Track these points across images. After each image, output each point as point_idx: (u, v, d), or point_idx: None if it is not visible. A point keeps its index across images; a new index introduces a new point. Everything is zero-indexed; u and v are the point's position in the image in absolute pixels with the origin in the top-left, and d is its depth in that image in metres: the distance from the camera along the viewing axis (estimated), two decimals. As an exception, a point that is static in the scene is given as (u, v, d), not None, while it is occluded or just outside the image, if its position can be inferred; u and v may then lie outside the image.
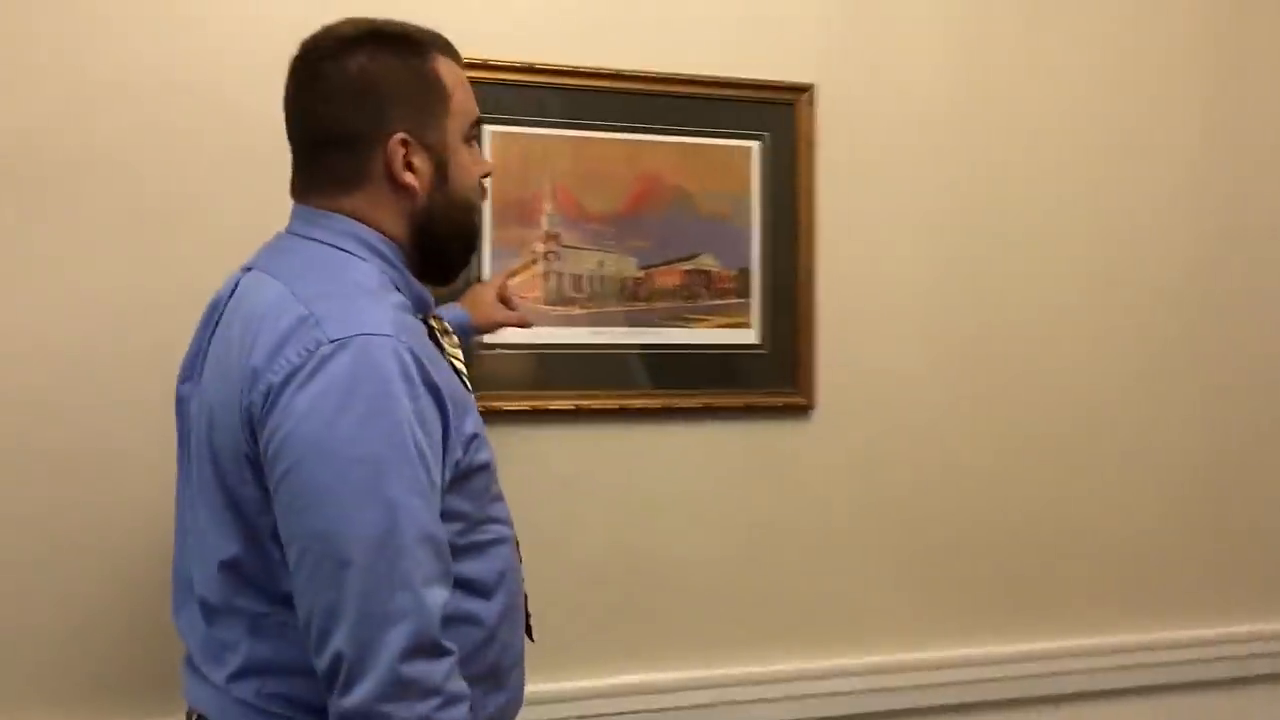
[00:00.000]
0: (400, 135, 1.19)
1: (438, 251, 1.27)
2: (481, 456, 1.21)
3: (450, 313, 1.72)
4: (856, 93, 2.10)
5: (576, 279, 1.95)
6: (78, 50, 1.69)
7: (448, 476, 1.14)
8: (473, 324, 1.75)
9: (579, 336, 1.94)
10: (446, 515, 1.13)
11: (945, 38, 2.15)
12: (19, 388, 1.67)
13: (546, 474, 1.94)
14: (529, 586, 1.37)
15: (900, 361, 2.14)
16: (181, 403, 1.28)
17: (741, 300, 2.03)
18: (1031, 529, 2.22)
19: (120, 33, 1.71)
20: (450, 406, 1.14)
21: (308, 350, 1.08)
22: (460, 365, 1.34)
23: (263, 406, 1.08)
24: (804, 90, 2.05)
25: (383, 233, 1.21)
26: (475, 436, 1.20)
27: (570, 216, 1.94)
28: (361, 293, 1.15)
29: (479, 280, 1.87)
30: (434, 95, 1.23)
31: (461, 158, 1.26)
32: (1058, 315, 2.23)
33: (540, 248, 1.92)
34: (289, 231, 1.25)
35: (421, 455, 1.08)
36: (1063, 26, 2.22)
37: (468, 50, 1.84)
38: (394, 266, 1.22)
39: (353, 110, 1.19)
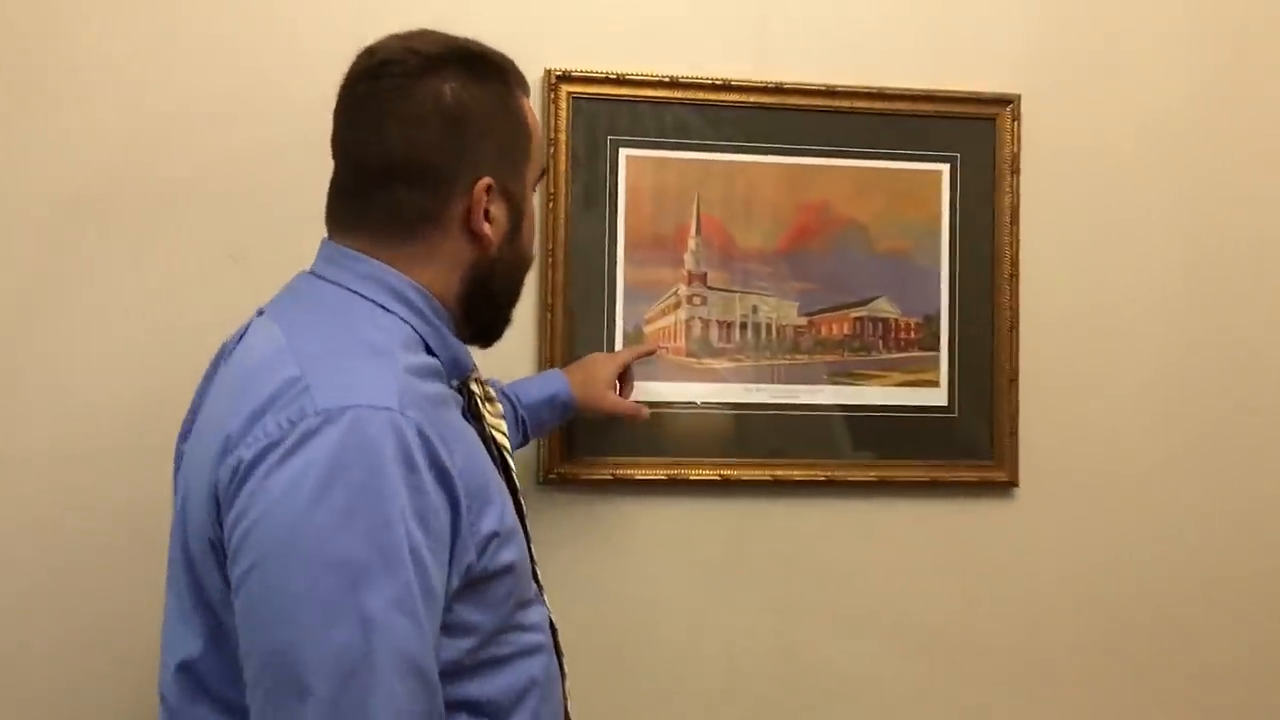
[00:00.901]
0: (488, 180, 1.01)
1: (491, 311, 1.09)
2: (504, 559, 0.97)
3: (548, 382, 1.51)
4: (1068, 105, 1.74)
5: (726, 326, 1.66)
6: (167, 81, 1.54)
7: (455, 584, 0.91)
8: (577, 400, 1.52)
9: (728, 395, 1.65)
10: (453, 629, 0.92)
11: (1174, 39, 1.77)
12: (111, 428, 1.51)
13: (683, 557, 1.65)
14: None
15: (1124, 429, 1.75)
16: (178, 464, 1.08)
17: (927, 353, 1.69)
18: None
19: (218, 62, 1.55)
20: (465, 498, 0.92)
21: (289, 421, 0.87)
22: (502, 439, 1.12)
23: (230, 485, 0.88)
24: (1006, 103, 1.71)
25: (422, 283, 1.02)
26: (494, 536, 0.95)
27: (719, 253, 1.66)
28: (369, 353, 0.95)
29: (606, 347, 1.63)
30: (520, 136, 1.06)
31: (531, 209, 1.10)
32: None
33: (683, 290, 1.65)
34: (310, 271, 1.05)
35: (418, 561, 0.86)
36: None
37: (597, 61, 1.64)
38: (428, 322, 1.02)
39: (442, 141, 1.00)
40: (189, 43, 1.54)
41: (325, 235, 1.05)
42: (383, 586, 0.83)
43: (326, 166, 1.05)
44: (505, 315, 1.12)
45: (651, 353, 1.62)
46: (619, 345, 1.62)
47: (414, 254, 1.01)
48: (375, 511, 0.84)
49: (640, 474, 1.62)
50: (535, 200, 1.12)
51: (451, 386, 1.03)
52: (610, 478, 1.61)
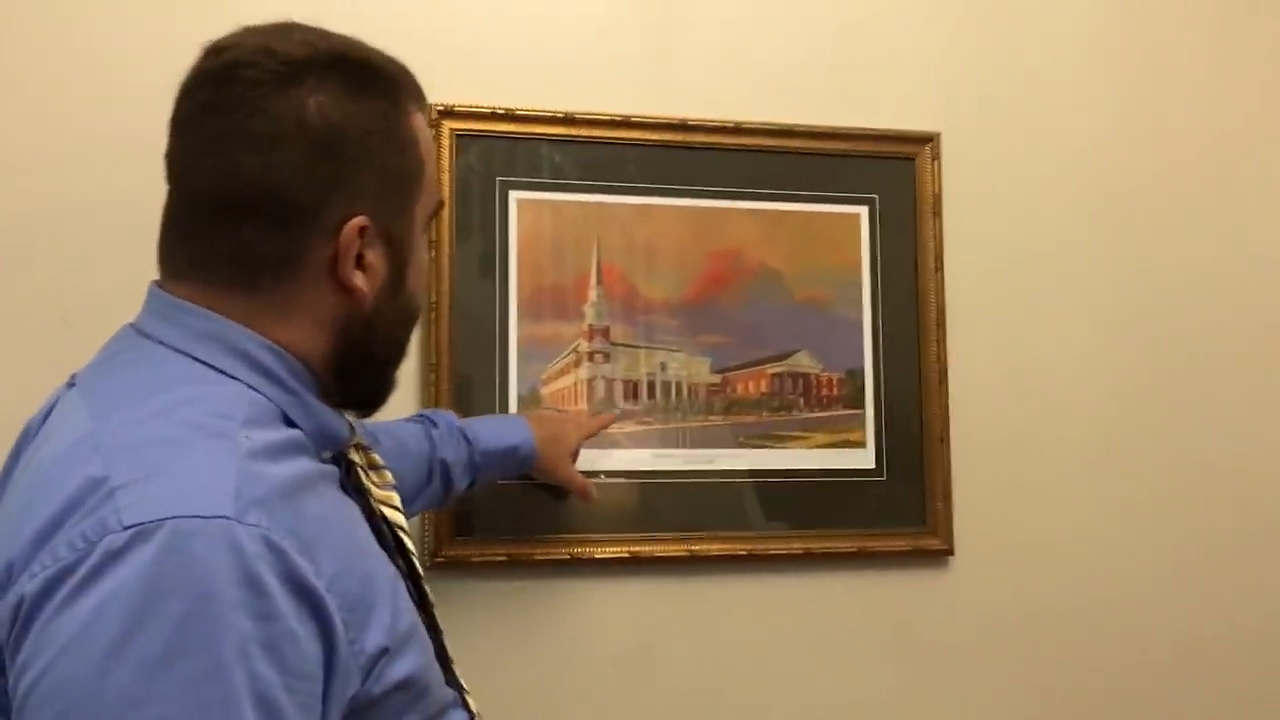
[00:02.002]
0: (362, 220, 0.82)
1: (370, 375, 0.90)
2: (399, 673, 0.77)
3: (510, 430, 1.34)
4: (989, 142, 1.64)
5: (631, 386, 1.50)
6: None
7: (337, 719, 0.72)
8: (538, 460, 1.36)
9: (635, 462, 1.48)
10: None
11: (1095, 70, 1.68)
12: None
13: (590, 645, 1.46)
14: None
15: (1064, 488, 1.62)
16: None
17: (852, 412, 1.55)
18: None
19: (46, 107, 1.35)
20: (340, 615, 0.72)
21: (86, 540, 0.66)
22: (395, 515, 0.93)
23: (11, 627, 0.67)
24: (926, 140, 1.59)
25: (280, 342, 0.82)
26: (383, 652, 0.75)
27: (623, 305, 1.50)
28: (200, 436, 0.73)
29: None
30: (409, 166, 0.87)
31: (421, 256, 0.91)
32: (1271, 419, 1.69)
33: (584, 346, 1.48)
34: (133, 325, 0.84)
35: (269, 710, 0.66)
36: (1245, 46, 1.73)
37: (484, 95, 1.47)
38: (286, 388, 0.82)
39: (304, 170, 0.80)
40: (13, 84, 1.35)
41: (154, 281, 0.84)
42: None
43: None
44: (388, 378, 0.92)
45: (612, 422, 1.47)
46: (513, 408, 1.44)
47: (268, 307, 0.81)
48: (202, 656, 0.64)
49: (540, 554, 1.44)
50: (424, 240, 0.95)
51: (323, 459, 0.84)
52: (506, 559, 1.42)
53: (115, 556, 0.65)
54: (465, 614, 1.42)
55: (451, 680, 0.91)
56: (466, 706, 0.90)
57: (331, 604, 0.71)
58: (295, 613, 0.68)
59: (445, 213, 1.42)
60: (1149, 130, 1.69)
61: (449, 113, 1.44)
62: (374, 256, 0.84)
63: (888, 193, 1.58)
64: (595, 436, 1.44)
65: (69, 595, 0.65)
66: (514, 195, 1.47)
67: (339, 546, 0.75)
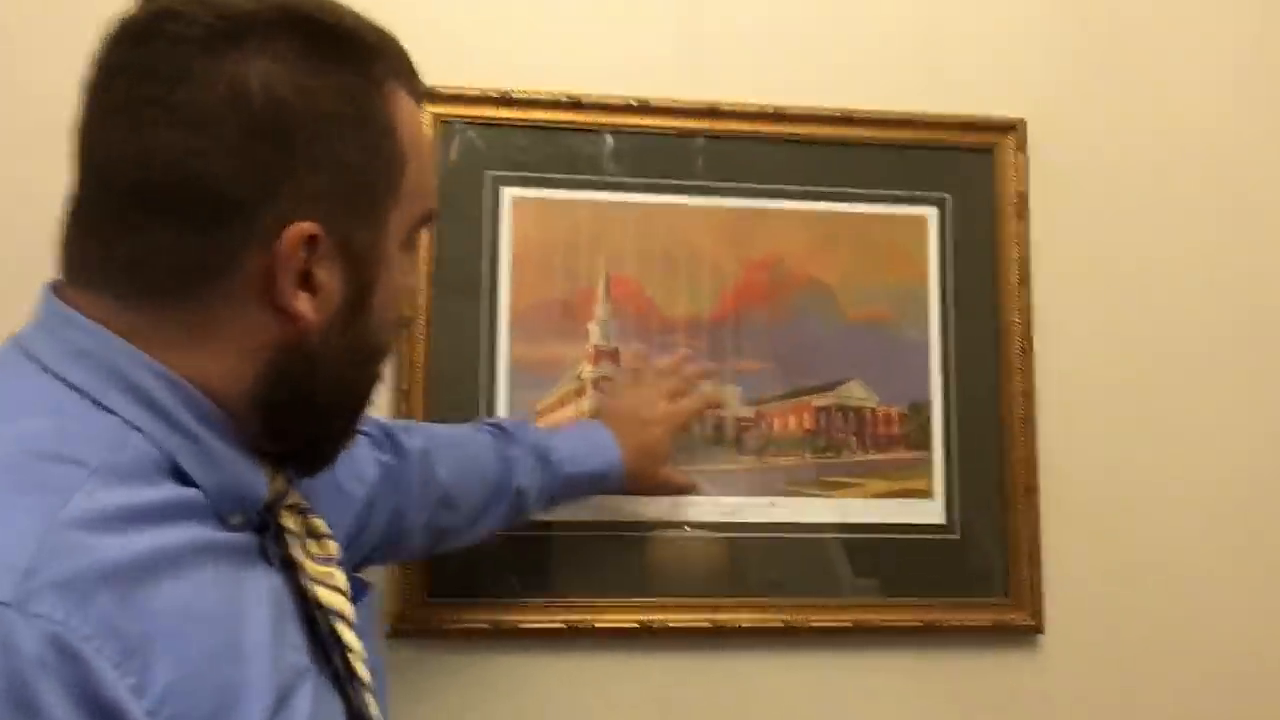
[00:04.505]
0: (308, 226, 0.65)
1: (307, 425, 0.71)
2: None
3: (596, 450, 1.14)
4: (1084, 129, 1.36)
5: (645, 420, 1.25)
6: None
7: None
8: (628, 471, 1.15)
9: (646, 512, 1.23)
10: None
11: (1223, 36, 1.40)
12: None
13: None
14: None
15: (1182, 552, 1.32)
16: None
17: (915, 454, 1.28)
18: None
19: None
20: None
21: None
22: (331, 598, 0.71)
23: None
24: (1008, 128, 1.33)
25: (185, 372, 0.65)
26: None
27: (636, 324, 1.26)
28: (14, 488, 0.57)
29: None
30: (383, 160, 0.69)
31: (395, 274, 0.72)
32: None
33: (588, 371, 1.25)
34: (16, 336, 0.68)
35: None
36: None
37: (475, 75, 1.24)
38: (182, 430, 0.64)
39: (236, 158, 0.63)
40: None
41: (51, 282, 0.67)
42: None
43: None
44: (335, 430, 0.74)
45: (690, 415, 1.24)
46: (500, 446, 1.21)
47: (177, 327, 0.64)
48: None
49: (531, 621, 1.19)
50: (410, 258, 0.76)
51: (232, 524, 0.66)
52: (488, 627, 1.18)
53: None
54: (437, 694, 1.18)
55: None
56: None
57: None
58: None
59: (425, 212, 1.21)
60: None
61: (432, 96, 1.21)
62: (326, 275, 0.66)
63: (961, 191, 1.32)
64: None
65: None
66: (508, 193, 1.24)
67: (195, 649, 0.58)
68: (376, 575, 1.17)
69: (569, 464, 1.11)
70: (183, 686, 0.56)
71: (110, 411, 0.62)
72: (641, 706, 1.22)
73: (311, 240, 0.64)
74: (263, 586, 0.65)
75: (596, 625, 1.20)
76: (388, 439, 1.01)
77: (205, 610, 0.60)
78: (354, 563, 0.95)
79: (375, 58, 0.68)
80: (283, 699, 0.61)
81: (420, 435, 1.04)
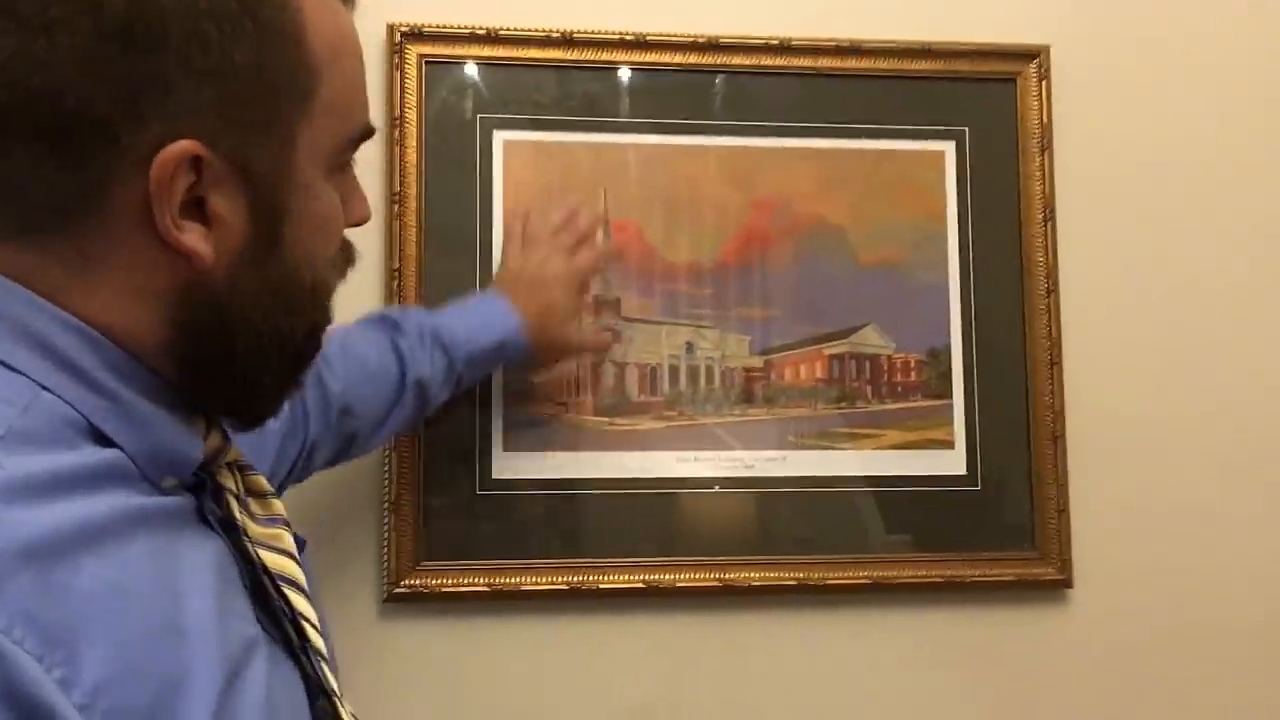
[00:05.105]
0: (187, 145, 0.55)
1: (230, 378, 0.63)
2: None
3: (491, 320, 1.08)
4: (1114, 55, 1.28)
5: (648, 372, 1.20)
6: None
7: None
8: (531, 348, 1.10)
9: (654, 467, 1.18)
10: None
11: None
12: None
13: (596, 699, 1.17)
14: None
15: (1215, 502, 1.25)
16: None
17: (934, 402, 1.22)
18: None
19: None
20: None
21: None
22: (279, 563, 0.64)
23: None
24: (1030, 56, 1.25)
25: (90, 319, 0.57)
26: None
27: (638, 271, 1.20)
28: None
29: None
30: (284, 69, 0.59)
31: (317, 202, 0.63)
32: None
33: (588, 322, 1.19)
34: None
35: None
36: None
37: (460, 13, 1.16)
38: (97, 389, 0.57)
39: (92, 67, 0.54)
40: None
41: None
42: None
43: None
44: (266, 382, 0.64)
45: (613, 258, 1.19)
46: (495, 401, 1.16)
47: (60, 266, 0.56)
48: None
49: (531, 583, 1.15)
50: (340, 185, 0.66)
51: (164, 488, 0.59)
52: (487, 589, 1.14)
53: None
54: (432, 662, 1.14)
55: None
56: None
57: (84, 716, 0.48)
58: None
59: (412, 158, 1.15)
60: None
61: (416, 34, 1.16)
62: (224, 204, 0.58)
63: (981, 124, 1.25)
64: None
65: None
66: (500, 136, 1.18)
67: (129, 631, 0.51)
68: (366, 541, 1.13)
69: (465, 343, 1.05)
70: (118, 675, 0.50)
71: (17, 371, 0.55)
72: (647, 671, 1.17)
73: (196, 162, 0.56)
74: (203, 553, 0.59)
75: (602, 586, 1.15)
76: None
77: (137, 587, 0.53)
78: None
79: None
80: (234, 676, 0.55)
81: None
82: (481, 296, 1.13)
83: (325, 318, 0.66)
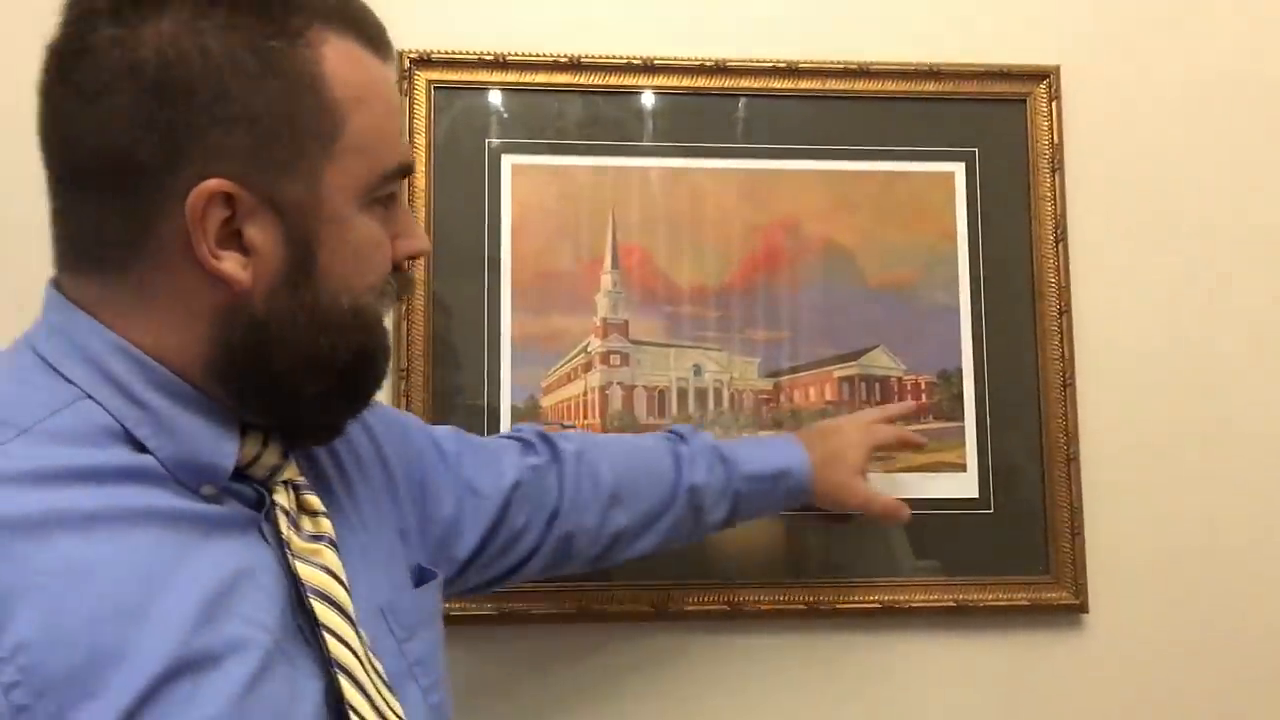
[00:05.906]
0: (217, 184, 0.65)
1: (272, 396, 0.70)
2: None
3: (777, 451, 1.08)
4: (1125, 76, 1.28)
5: (656, 395, 1.20)
6: None
7: None
8: (814, 486, 1.08)
9: (661, 490, 1.17)
10: None
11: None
12: None
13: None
14: None
15: (1235, 526, 1.24)
16: None
17: (945, 425, 1.21)
18: None
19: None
20: (3, 700, 0.57)
21: None
22: (313, 575, 0.70)
23: None
24: (1041, 77, 1.25)
25: (138, 341, 0.67)
26: None
27: (645, 294, 1.21)
28: None
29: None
30: (307, 111, 0.67)
31: (353, 233, 0.70)
32: None
33: (596, 345, 1.19)
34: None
35: None
36: None
37: (470, 39, 1.17)
38: (133, 400, 0.66)
39: (137, 121, 0.64)
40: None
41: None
42: None
43: None
44: (309, 400, 0.70)
45: (898, 414, 1.18)
46: (505, 423, 1.16)
47: (121, 296, 0.67)
48: None
49: (540, 608, 1.14)
50: (388, 220, 0.73)
51: (205, 495, 0.67)
52: (494, 613, 1.14)
53: None
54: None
55: None
56: None
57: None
58: None
59: (422, 184, 1.16)
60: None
61: (425, 61, 1.18)
62: (257, 233, 0.66)
63: (991, 145, 1.24)
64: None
65: None
66: (508, 160, 1.19)
67: (76, 607, 0.59)
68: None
69: (746, 461, 1.05)
70: (44, 639, 0.57)
71: (70, 381, 0.65)
72: (655, 694, 1.17)
73: (229, 198, 0.64)
74: (224, 557, 0.65)
75: (610, 610, 1.15)
76: (543, 442, 0.99)
77: (109, 571, 0.60)
78: (499, 570, 0.96)
79: (293, 10, 0.66)
80: (192, 665, 0.60)
81: (578, 439, 1.02)
82: (776, 435, 1.15)
83: (373, 341, 0.72)
